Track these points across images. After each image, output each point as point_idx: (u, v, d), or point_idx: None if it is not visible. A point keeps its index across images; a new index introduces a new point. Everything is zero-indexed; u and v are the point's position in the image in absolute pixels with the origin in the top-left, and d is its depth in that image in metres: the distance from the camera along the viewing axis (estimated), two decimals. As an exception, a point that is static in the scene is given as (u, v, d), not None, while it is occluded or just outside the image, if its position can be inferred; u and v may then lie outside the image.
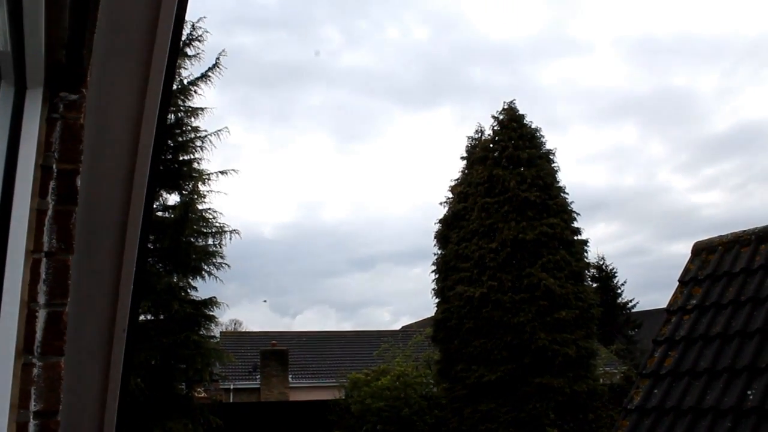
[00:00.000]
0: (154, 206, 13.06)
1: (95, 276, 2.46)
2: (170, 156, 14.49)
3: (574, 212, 18.05)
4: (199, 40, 14.69)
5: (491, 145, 18.63)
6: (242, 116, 59.17)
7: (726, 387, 5.38)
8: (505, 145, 18.23)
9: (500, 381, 16.13)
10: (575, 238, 17.85)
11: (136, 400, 12.16)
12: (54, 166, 1.70)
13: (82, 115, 1.76)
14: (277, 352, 26.66)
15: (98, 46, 1.78)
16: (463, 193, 18.67)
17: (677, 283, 6.90)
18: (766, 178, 53.72)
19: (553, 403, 15.79)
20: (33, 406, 1.54)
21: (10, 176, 1.60)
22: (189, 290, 14.60)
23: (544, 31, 49.88)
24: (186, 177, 14.63)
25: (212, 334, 16.27)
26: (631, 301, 32.54)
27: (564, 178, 25.21)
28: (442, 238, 18.90)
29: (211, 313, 14.88)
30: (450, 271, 17.98)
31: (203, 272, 14.69)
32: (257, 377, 26.74)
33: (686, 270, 6.94)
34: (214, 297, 14.87)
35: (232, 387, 25.52)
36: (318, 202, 73.48)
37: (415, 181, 70.56)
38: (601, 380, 18.23)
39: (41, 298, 1.60)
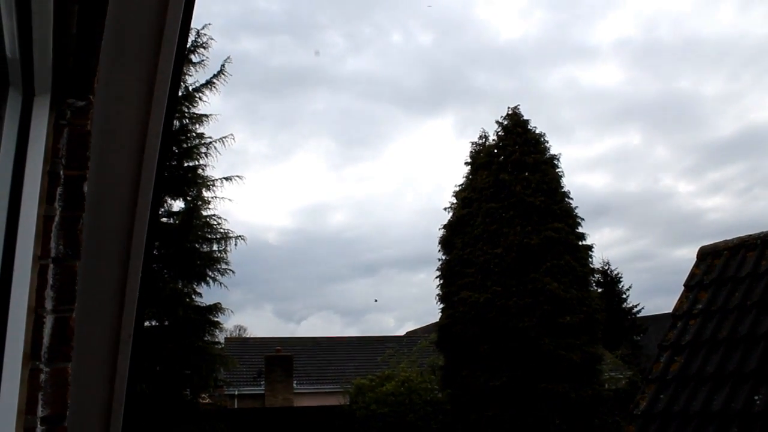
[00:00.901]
0: (159, 212, 13.10)
1: (101, 282, 2.47)
2: (175, 162, 14.53)
3: (579, 217, 18.08)
4: (204, 47, 14.76)
5: (496, 151, 18.67)
6: (246, 122, 59.27)
7: (732, 392, 5.35)
8: (510, 150, 18.26)
9: (505, 386, 16.08)
10: (580, 243, 17.84)
11: (141, 406, 12.16)
12: (61, 173, 1.71)
13: (89, 122, 1.77)
14: (281, 358, 26.63)
15: (105, 53, 1.79)
16: (467, 198, 18.67)
17: (683, 288, 6.88)
18: (771, 182, 53.51)
19: (559, 408, 15.74)
20: (40, 412, 1.54)
21: (17, 182, 1.61)
22: (194, 296, 14.63)
23: (549, 35, 49.96)
24: (191, 183, 14.67)
25: (217, 340, 16.26)
26: (636, 306, 32.40)
27: (568, 183, 25.23)
28: (446, 243, 18.89)
29: (215, 319, 14.94)
30: (455, 277, 17.96)
31: (208, 278, 14.71)
32: (262, 383, 26.68)
33: (692, 274, 6.92)
34: (219, 303, 14.90)
35: (236, 393, 25.49)
36: (322, 207, 73.54)
37: (420, 187, 70.53)
38: (606, 385, 18.18)
39: (48, 304, 1.61)
